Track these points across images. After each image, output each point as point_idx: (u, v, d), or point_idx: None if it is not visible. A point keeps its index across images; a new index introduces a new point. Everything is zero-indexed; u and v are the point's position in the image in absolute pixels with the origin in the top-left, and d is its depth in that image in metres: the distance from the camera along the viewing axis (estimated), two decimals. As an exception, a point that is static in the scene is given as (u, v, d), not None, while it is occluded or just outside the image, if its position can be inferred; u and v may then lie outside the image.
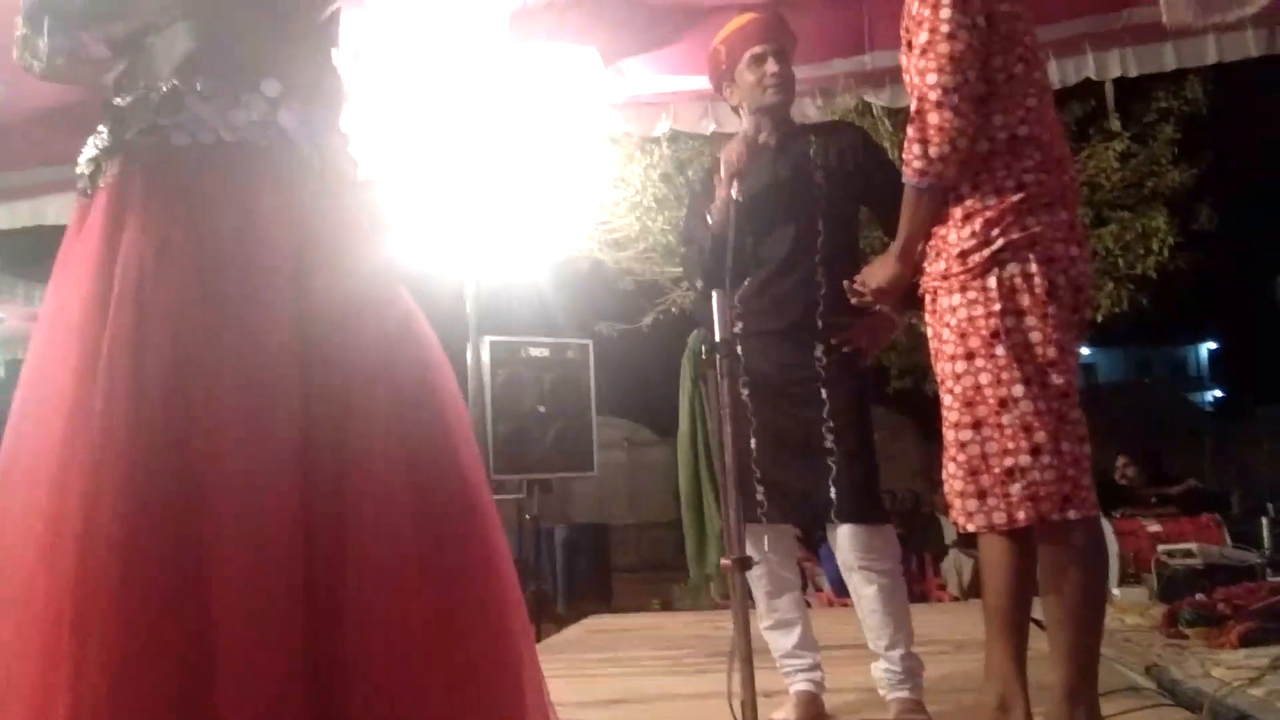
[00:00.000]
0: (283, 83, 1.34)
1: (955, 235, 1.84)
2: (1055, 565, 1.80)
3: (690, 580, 5.58)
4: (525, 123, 3.88)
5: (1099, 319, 7.05)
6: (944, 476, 1.89)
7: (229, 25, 1.35)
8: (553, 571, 7.40)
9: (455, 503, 1.30)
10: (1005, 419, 1.78)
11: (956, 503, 1.86)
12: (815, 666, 2.39)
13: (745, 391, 2.32)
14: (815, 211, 2.31)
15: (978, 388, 1.81)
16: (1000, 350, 1.78)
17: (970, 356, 1.82)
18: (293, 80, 1.36)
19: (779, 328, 2.31)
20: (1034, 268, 1.79)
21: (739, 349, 2.26)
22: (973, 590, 5.71)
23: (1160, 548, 4.31)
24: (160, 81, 1.31)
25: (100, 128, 1.34)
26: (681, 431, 5.46)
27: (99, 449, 1.15)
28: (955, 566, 6.36)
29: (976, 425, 1.82)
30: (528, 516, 5.66)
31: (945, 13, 1.75)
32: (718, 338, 2.05)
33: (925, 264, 1.93)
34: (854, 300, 2.10)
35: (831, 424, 2.25)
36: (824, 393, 2.26)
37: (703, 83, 3.47)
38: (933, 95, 1.76)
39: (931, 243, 1.90)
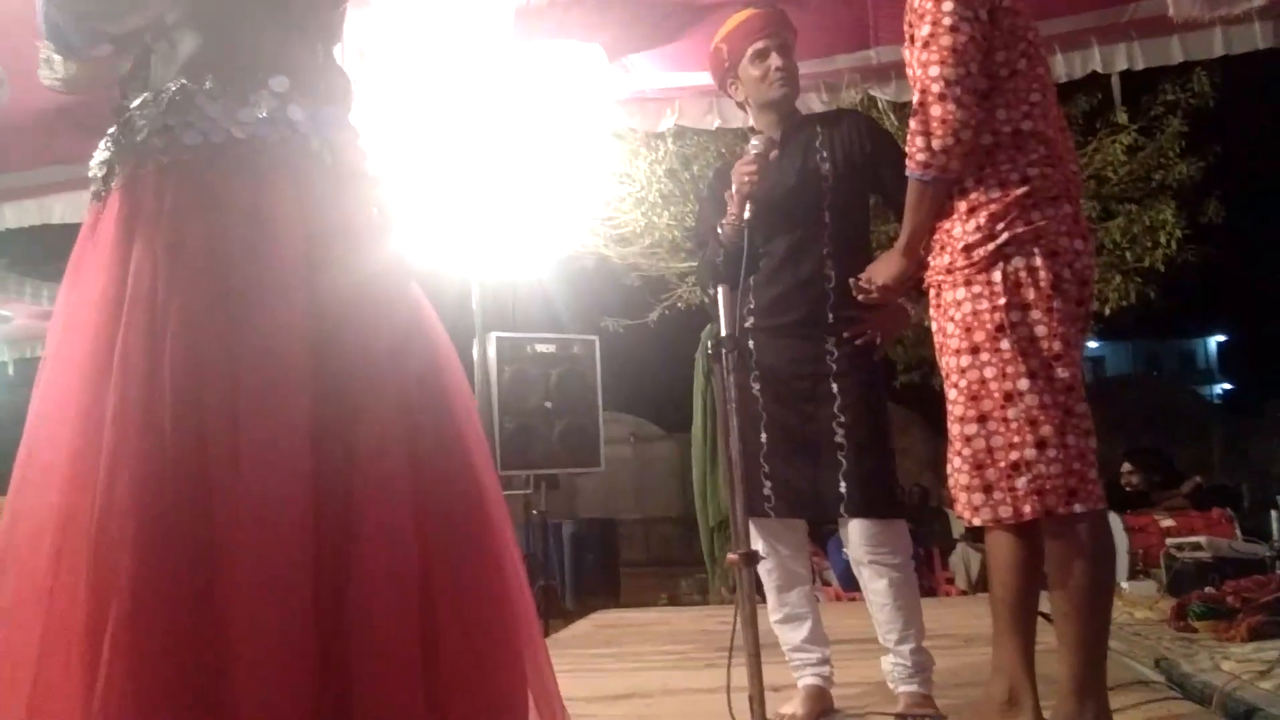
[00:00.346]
0: (290, 79, 1.34)
1: (960, 229, 1.84)
2: (1062, 559, 1.80)
3: (710, 573, 5.60)
4: (530, 120, 3.89)
5: (1107, 312, 7.03)
6: (949, 470, 1.89)
7: (235, 23, 1.35)
8: (560, 566, 7.41)
9: (464, 501, 1.30)
10: (1010, 413, 1.78)
11: (962, 497, 1.86)
12: (824, 661, 2.39)
13: (756, 386, 2.31)
14: (822, 204, 2.31)
15: (983, 382, 1.81)
16: (1005, 344, 1.78)
17: (975, 350, 1.82)
18: (300, 76, 1.36)
19: (789, 322, 2.30)
20: (1039, 261, 1.78)
21: (750, 344, 2.26)
22: (981, 584, 5.70)
23: (1169, 541, 4.30)
24: (169, 82, 1.32)
25: (111, 130, 1.35)
26: (695, 427, 5.47)
27: (112, 451, 1.16)
28: (963, 560, 6.35)
29: (982, 419, 1.81)
30: (535, 512, 5.68)
31: (947, 6, 1.75)
32: (724, 332, 2.05)
33: (930, 258, 1.92)
34: (860, 298, 2.10)
35: (843, 419, 2.24)
36: (835, 387, 2.26)
37: (708, 78, 3.48)
38: (935, 88, 1.76)
39: (936, 236, 1.90)
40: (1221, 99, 6.91)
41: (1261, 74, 5.89)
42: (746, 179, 2.24)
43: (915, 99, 1.81)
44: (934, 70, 1.76)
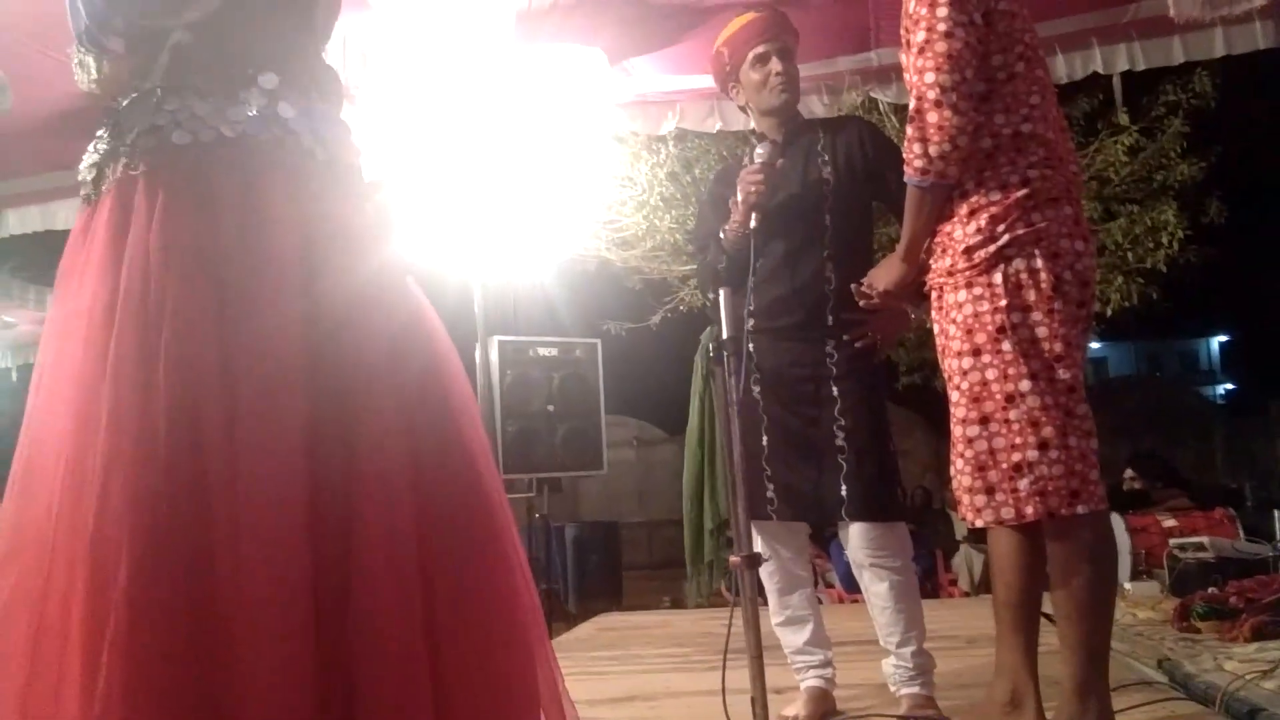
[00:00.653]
0: (280, 76, 1.33)
1: (961, 231, 1.84)
2: (1064, 560, 1.80)
3: (689, 575, 5.59)
4: (532, 123, 3.89)
5: (1108, 313, 7.02)
6: (952, 472, 1.90)
7: (224, 20, 1.33)
8: (563, 570, 7.42)
9: (468, 501, 1.30)
10: (1012, 414, 1.78)
11: (965, 498, 1.86)
12: (827, 663, 2.39)
13: (756, 389, 2.32)
14: (823, 207, 2.31)
15: (984, 383, 1.81)
16: (1007, 346, 1.79)
17: (977, 352, 1.82)
18: (290, 73, 1.35)
19: (789, 325, 2.31)
20: (1040, 263, 1.79)
21: (750, 346, 2.26)
22: (984, 586, 5.70)
23: (1172, 542, 4.29)
24: (157, 81, 1.30)
25: (100, 132, 1.33)
26: (690, 428, 5.46)
27: (107, 455, 1.15)
28: (966, 562, 6.35)
29: (984, 421, 1.82)
30: (537, 515, 5.68)
31: (942, 11, 1.76)
32: (726, 335, 2.05)
33: (931, 260, 1.93)
34: (862, 303, 2.11)
35: (843, 421, 2.24)
36: (836, 390, 2.26)
37: (709, 81, 3.48)
38: (931, 94, 1.77)
39: (937, 239, 1.91)
40: (1222, 99, 6.91)
41: (1262, 74, 5.89)
42: (754, 189, 2.24)
43: (912, 105, 1.82)
44: (930, 76, 1.77)
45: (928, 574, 6.15)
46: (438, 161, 3.97)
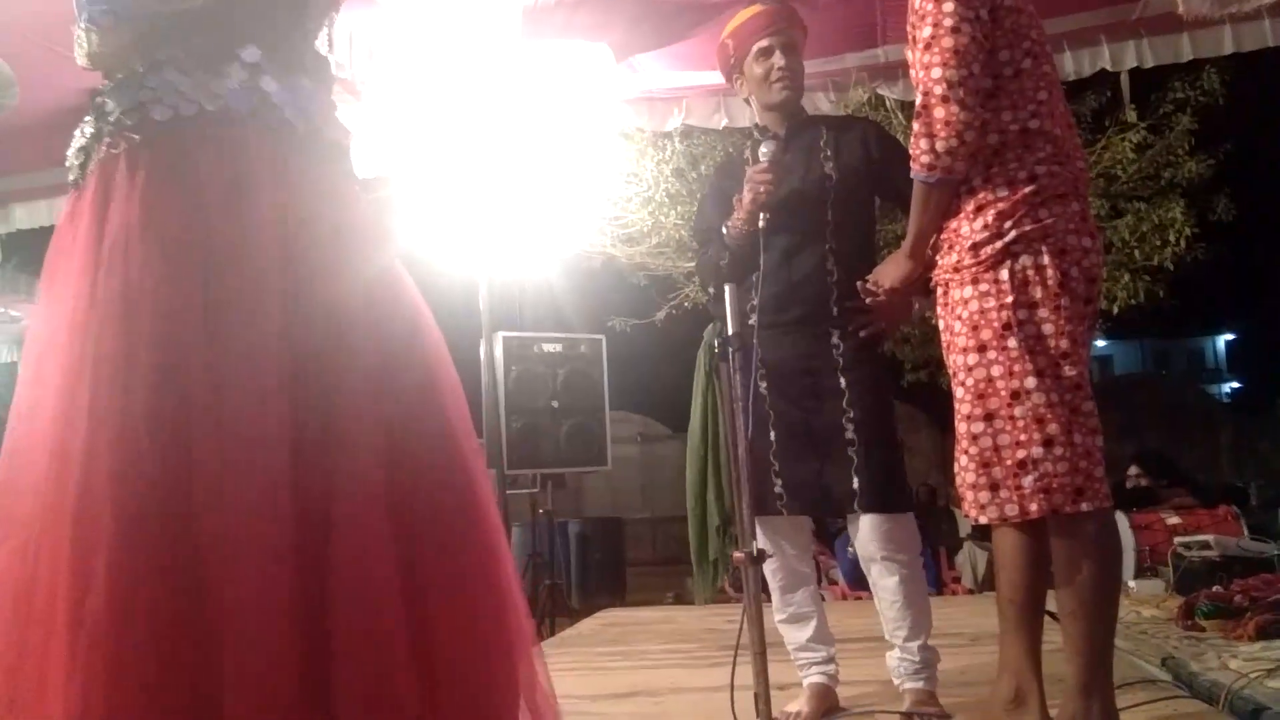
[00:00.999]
0: (263, 50, 1.31)
1: (968, 227, 1.84)
2: (1068, 558, 1.79)
3: (694, 572, 5.59)
4: (538, 119, 3.90)
5: (1115, 311, 7.01)
6: (956, 469, 1.89)
7: (212, 3, 1.31)
8: (566, 565, 7.42)
9: (453, 496, 1.29)
10: (1018, 411, 1.78)
11: (969, 495, 1.86)
12: (830, 660, 2.39)
13: (763, 385, 2.32)
14: (825, 202, 2.31)
15: (990, 380, 1.81)
16: (1012, 342, 1.78)
17: (982, 349, 1.82)
18: (274, 49, 1.33)
19: (793, 318, 2.30)
20: (1046, 260, 1.78)
21: (755, 341, 2.26)
22: (988, 583, 5.69)
23: (1177, 540, 4.28)
24: (139, 61, 1.30)
25: (86, 117, 1.33)
26: (692, 425, 5.45)
27: (89, 443, 1.15)
28: (970, 559, 6.34)
29: (989, 417, 1.81)
30: (541, 511, 5.70)
31: (948, 7, 1.75)
32: (730, 331, 2.05)
33: (938, 256, 1.92)
34: (868, 300, 2.11)
35: (851, 414, 2.24)
36: (843, 381, 2.26)
37: (715, 78, 3.48)
38: (938, 90, 1.76)
39: (944, 235, 1.90)
40: (1231, 96, 6.89)
41: (1271, 71, 5.86)
42: (763, 188, 2.24)
43: (918, 101, 1.81)
44: (936, 72, 1.76)
45: (929, 570, 6.14)
46: (444, 157, 3.98)
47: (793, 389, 2.31)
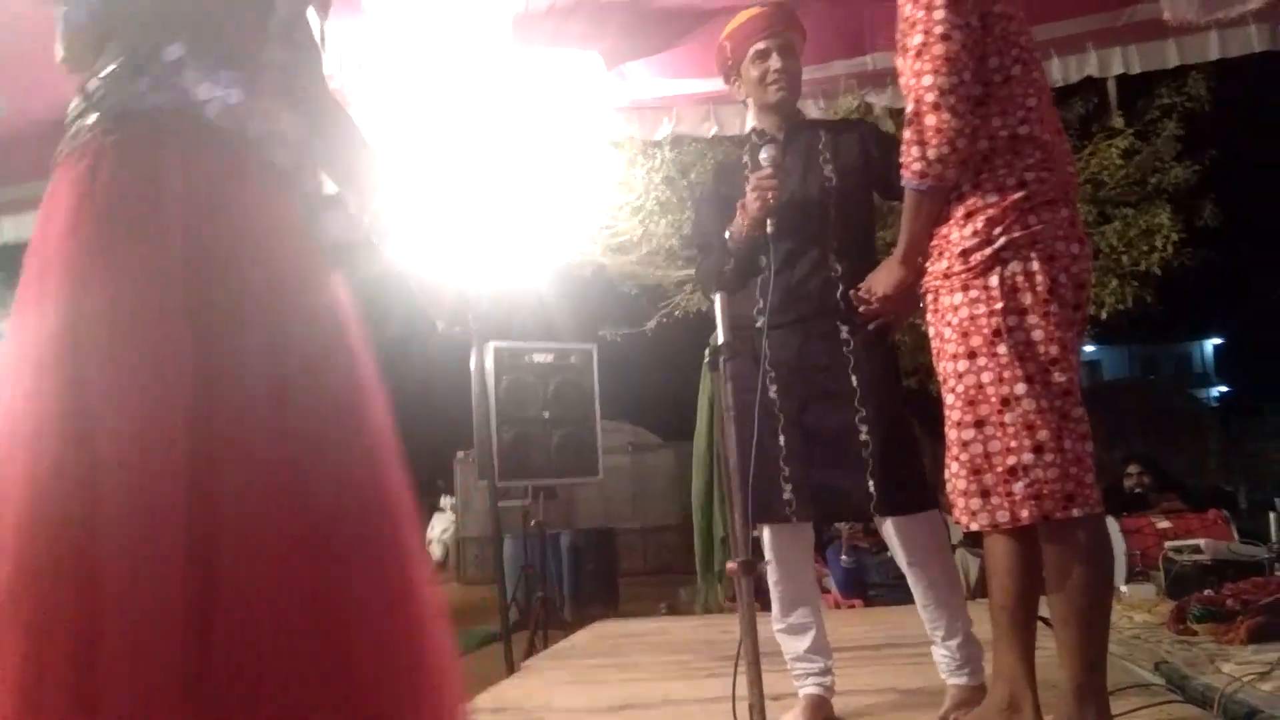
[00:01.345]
0: (193, 47, 1.28)
1: (957, 234, 1.84)
2: (1060, 564, 1.79)
3: (699, 583, 5.57)
4: (529, 128, 3.89)
5: (1103, 316, 7.03)
6: (947, 475, 1.89)
7: None
8: (559, 577, 7.39)
9: (361, 523, 1.25)
10: (1008, 417, 1.78)
11: (960, 501, 1.86)
12: (827, 671, 2.38)
13: (773, 389, 2.29)
14: (826, 204, 2.31)
15: (980, 386, 1.81)
16: (1002, 349, 1.78)
17: (972, 355, 1.82)
18: (206, 45, 1.29)
19: (801, 315, 2.29)
20: (1035, 266, 1.79)
21: (765, 344, 2.25)
22: (980, 590, 5.69)
23: (1167, 544, 4.29)
24: (91, 62, 1.29)
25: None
26: (698, 434, 5.42)
27: (4, 439, 1.17)
28: (962, 565, 6.33)
29: (979, 424, 1.82)
30: (533, 522, 5.67)
31: (939, 14, 1.76)
32: (721, 340, 2.05)
33: (928, 263, 1.93)
34: (861, 309, 2.10)
35: (864, 413, 2.22)
36: (855, 380, 2.24)
37: (705, 86, 3.49)
38: (929, 97, 1.77)
39: (934, 242, 1.90)
40: (1217, 102, 6.93)
41: (1257, 77, 5.90)
42: (770, 194, 2.23)
43: (909, 108, 1.82)
44: (927, 80, 1.77)
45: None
46: (434, 166, 3.97)
47: (803, 389, 2.28)
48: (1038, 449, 1.76)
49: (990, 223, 1.81)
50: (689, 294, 7.32)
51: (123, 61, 1.28)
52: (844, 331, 2.27)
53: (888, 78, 3.52)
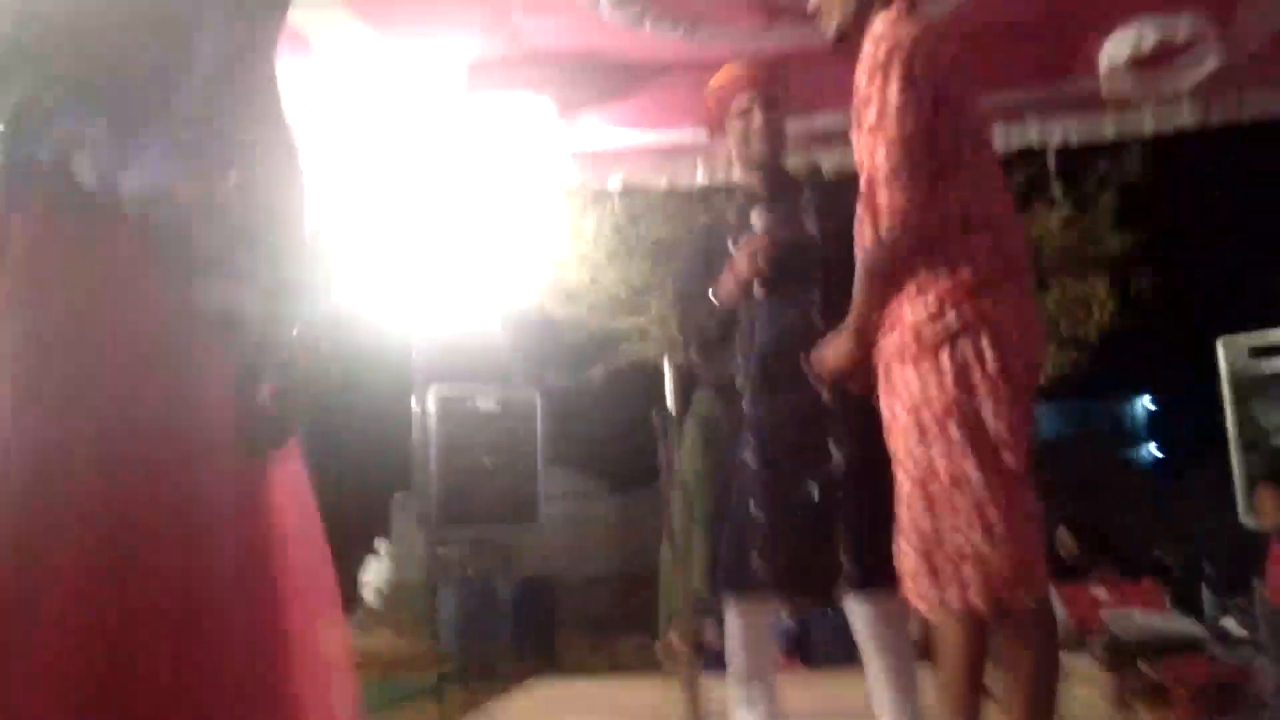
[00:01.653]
0: (81, 98, 1.17)
1: (909, 310, 1.82)
2: (1008, 644, 1.78)
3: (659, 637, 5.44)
4: (479, 170, 3.84)
5: (1041, 381, 7.15)
6: (895, 552, 1.85)
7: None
8: (494, 629, 7.21)
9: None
10: (958, 500, 1.74)
11: (909, 582, 1.82)
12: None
13: (748, 453, 2.25)
14: (810, 262, 2.28)
15: (930, 465, 1.78)
16: (953, 428, 1.76)
17: (923, 432, 1.79)
18: (94, 98, 1.18)
19: (784, 375, 2.23)
20: (985, 344, 1.77)
21: (744, 405, 2.21)
22: (924, 647, 5.67)
23: (1103, 614, 4.32)
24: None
25: None
26: (678, 483, 5.31)
27: None
28: (913, 616, 6.32)
29: (929, 504, 1.78)
30: (469, 571, 5.54)
31: (893, 92, 1.75)
32: (671, 410, 2.01)
33: (880, 336, 1.90)
34: (811, 380, 2.07)
35: (841, 482, 2.18)
36: (833, 446, 2.19)
37: (657, 137, 3.48)
38: (882, 174, 1.75)
39: (887, 315, 1.88)
40: (1153, 174, 7.16)
41: (1190, 151, 6.10)
42: (762, 260, 2.21)
43: (863, 185, 1.80)
44: (880, 155, 1.76)
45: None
46: (382, 208, 3.89)
47: (781, 453, 2.23)
48: (988, 531, 1.72)
49: (941, 300, 1.79)
50: (635, 343, 7.30)
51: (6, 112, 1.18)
52: (825, 394, 2.21)
53: (835, 139, 3.54)
